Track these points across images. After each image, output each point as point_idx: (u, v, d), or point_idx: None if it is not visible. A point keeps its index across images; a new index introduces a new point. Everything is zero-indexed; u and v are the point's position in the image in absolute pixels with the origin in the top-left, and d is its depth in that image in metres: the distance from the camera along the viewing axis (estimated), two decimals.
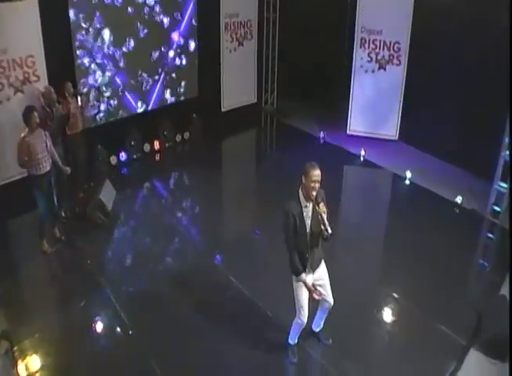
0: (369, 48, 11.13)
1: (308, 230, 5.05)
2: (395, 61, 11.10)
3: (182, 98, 11.70)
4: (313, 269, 5.33)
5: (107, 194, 8.94)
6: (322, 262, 5.44)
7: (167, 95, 11.39)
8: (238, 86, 12.62)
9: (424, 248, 8.04)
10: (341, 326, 6.33)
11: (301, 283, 5.26)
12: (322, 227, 4.92)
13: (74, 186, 9.14)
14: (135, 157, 10.85)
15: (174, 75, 11.35)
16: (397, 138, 11.70)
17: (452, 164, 10.53)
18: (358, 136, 11.79)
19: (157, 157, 11.18)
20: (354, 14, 11.05)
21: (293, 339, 5.90)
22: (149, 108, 11.09)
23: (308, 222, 5.04)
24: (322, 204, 4.90)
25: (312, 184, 4.85)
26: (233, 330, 6.34)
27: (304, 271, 5.22)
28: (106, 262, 7.86)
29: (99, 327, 6.49)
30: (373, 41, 11.05)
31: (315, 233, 5.10)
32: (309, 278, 5.30)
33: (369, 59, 11.24)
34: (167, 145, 11.44)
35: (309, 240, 5.13)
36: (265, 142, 13.13)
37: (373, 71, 11.32)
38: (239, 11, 12.08)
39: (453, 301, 6.97)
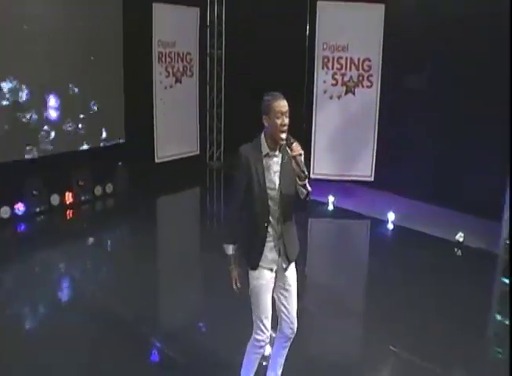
0: (333, 68, 9.62)
1: (275, 191, 3.70)
2: (366, 83, 9.60)
3: (104, 143, 9.76)
4: (289, 262, 3.84)
5: None
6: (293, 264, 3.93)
7: (85, 137, 9.45)
8: (176, 133, 10.86)
9: (428, 298, 6.26)
10: None
11: (260, 279, 3.79)
12: (299, 182, 3.63)
13: None
14: (37, 210, 8.72)
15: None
16: (373, 179, 9.97)
17: (443, 207, 8.93)
18: (324, 180, 9.99)
19: (69, 213, 9.05)
20: (314, 31, 9.70)
21: None
22: (61, 151, 9.05)
23: (276, 178, 3.69)
24: (296, 144, 3.61)
25: (280, 120, 3.56)
26: None
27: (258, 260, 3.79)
28: None
29: None
30: (338, 59, 9.56)
31: (286, 197, 3.69)
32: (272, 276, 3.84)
33: (333, 82, 9.69)
34: (82, 198, 9.37)
35: (279, 208, 3.71)
36: (210, 202, 11.10)
37: (339, 97, 9.74)
38: (177, 39, 10.60)
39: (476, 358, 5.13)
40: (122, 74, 9.80)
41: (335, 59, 9.63)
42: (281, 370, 4.14)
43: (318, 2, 9.46)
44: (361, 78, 9.62)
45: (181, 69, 10.89)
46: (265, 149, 3.67)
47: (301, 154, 3.60)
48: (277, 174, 3.68)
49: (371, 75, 9.59)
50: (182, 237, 8.46)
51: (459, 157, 8.80)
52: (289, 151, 3.64)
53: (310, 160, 9.96)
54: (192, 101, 11.24)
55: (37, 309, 5.99)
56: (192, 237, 8.81)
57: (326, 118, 9.88)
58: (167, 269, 7.28)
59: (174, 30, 10.52)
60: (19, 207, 8.47)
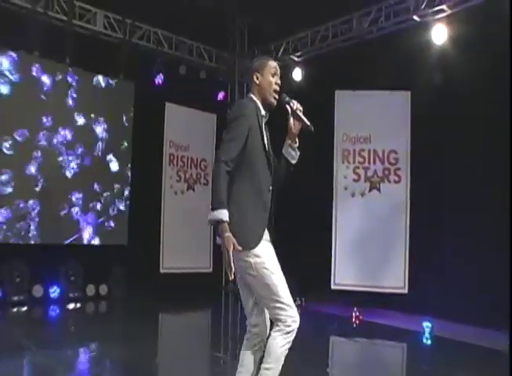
0: (354, 162, 8.78)
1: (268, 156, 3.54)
2: (393, 177, 8.64)
3: (103, 243, 9.24)
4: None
5: None
6: None
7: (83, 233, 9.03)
8: (186, 244, 10.00)
9: None
10: None
11: (267, 250, 3.40)
12: (293, 144, 3.62)
13: None
14: (16, 299, 8.10)
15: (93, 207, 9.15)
16: (406, 291, 8.54)
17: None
18: (347, 291, 8.69)
19: (53, 309, 8.15)
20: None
21: None
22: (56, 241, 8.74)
23: (265, 142, 3.51)
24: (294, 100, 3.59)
25: (274, 78, 3.54)
26: None
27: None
28: None
29: None
30: (360, 152, 8.77)
31: (273, 164, 3.58)
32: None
33: (355, 177, 8.79)
34: (71, 295, 8.64)
35: (271, 175, 3.56)
36: (224, 331, 9.46)
37: (362, 194, 8.78)
38: (190, 143, 10.20)
39: None
40: (129, 173, 9.54)
41: (356, 152, 8.83)
42: None
43: (336, 92, 8.92)
44: (387, 172, 8.69)
45: (194, 175, 10.36)
46: (261, 110, 3.50)
47: (300, 110, 3.54)
48: (266, 139, 3.51)
49: (398, 169, 8.65)
50: (182, 365, 6.20)
51: None
52: (288, 108, 3.55)
53: (330, 267, 8.79)
54: (206, 212, 10.39)
55: None
56: (192, 366, 7.00)
57: (349, 219, 8.84)
58: None
59: (188, 133, 10.17)
60: None
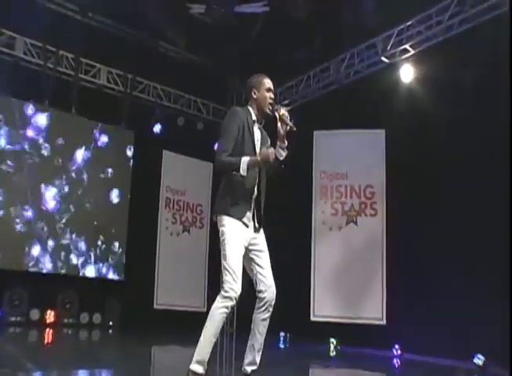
0: (332, 197, 9.07)
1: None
2: (369, 211, 8.87)
3: (100, 276, 9.86)
4: (259, 225, 4.18)
5: None
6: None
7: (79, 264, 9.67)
8: (180, 283, 10.37)
9: None
10: None
11: (238, 228, 4.01)
12: (281, 144, 4.08)
13: None
14: (13, 319, 8.81)
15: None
16: (385, 322, 8.54)
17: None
18: (327, 323, 8.74)
19: (47, 333, 8.49)
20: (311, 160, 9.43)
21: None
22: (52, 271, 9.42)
23: (258, 145, 4.20)
24: (282, 108, 4.22)
25: (268, 94, 4.25)
26: None
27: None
28: None
29: None
30: (337, 187, 9.07)
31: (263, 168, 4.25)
32: (247, 233, 4.08)
33: (333, 211, 9.05)
34: (65, 321, 9.23)
35: (256, 172, 4.19)
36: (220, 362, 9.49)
37: (339, 228, 8.97)
38: (187, 189, 10.77)
39: None
40: (127, 213, 10.13)
41: (334, 188, 9.16)
42: (259, 357, 4.05)
43: (314, 132, 9.41)
44: (363, 206, 8.96)
45: (190, 219, 10.86)
46: (254, 116, 4.20)
47: (287, 116, 4.09)
48: (259, 141, 4.18)
49: (375, 202, 8.91)
50: None
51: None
52: (277, 115, 4.10)
53: (309, 299, 8.94)
54: (201, 255, 10.87)
55: None
56: None
57: (327, 252, 9.05)
58: None
59: (185, 179, 10.78)
60: None
